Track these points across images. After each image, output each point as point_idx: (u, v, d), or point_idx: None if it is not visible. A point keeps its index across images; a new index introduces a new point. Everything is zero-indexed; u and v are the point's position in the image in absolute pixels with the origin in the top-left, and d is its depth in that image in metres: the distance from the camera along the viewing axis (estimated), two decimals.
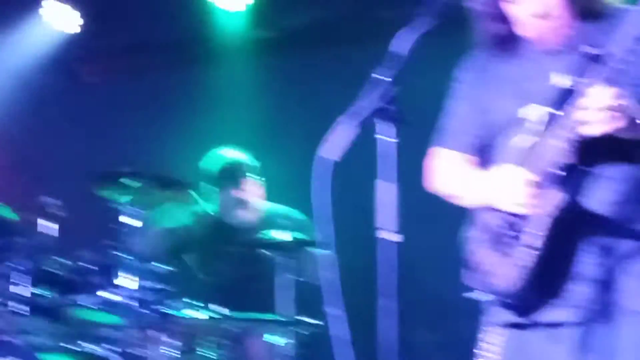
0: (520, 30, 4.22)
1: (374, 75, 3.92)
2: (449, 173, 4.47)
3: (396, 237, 3.89)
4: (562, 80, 4.04)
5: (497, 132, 4.27)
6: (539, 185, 4.00)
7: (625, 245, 4.06)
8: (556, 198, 3.97)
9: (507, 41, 4.29)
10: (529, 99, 4.13)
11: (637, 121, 3.84)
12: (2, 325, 6.73)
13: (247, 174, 7.73)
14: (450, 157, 4.48)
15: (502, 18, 4.23)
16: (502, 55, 4.32)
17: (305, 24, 9.14)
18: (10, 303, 6.65)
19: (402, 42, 3.93)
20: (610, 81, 3.83)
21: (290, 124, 7.77)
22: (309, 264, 6.68)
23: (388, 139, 3.93)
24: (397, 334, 3.85)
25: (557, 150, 3.94)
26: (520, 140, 4.13)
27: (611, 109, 3.80)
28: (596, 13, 4.15)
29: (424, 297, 8.18)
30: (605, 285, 4.01)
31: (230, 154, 7.76)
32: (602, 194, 4.03)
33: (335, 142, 3.87)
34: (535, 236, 3.98)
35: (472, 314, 4.51)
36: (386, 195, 3.92)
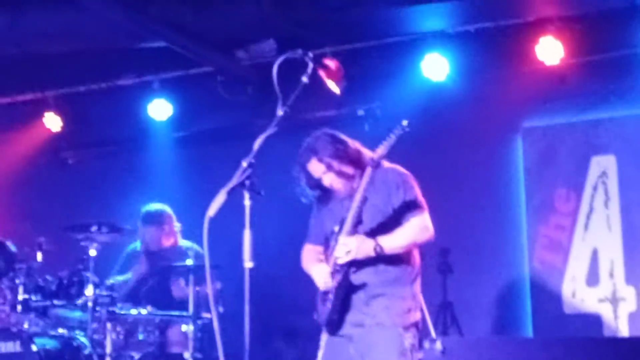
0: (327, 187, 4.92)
1: (241, 160, 4.14)
2: (305, 260, 5.11)
3: (250, 264, 4.09)
4: (345, 213, 4.81)
5: (329, 236, 4.98)
6: (332, 271, 4.78)
7: (371, 294, 4.81)
8: (339, 278, 4.79)
9: (322, 195, 5.02)
10: (336, 221, 4.88)
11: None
12: (8, 319, 6.74)
13: (166, 218, 7.49)
14: (308, 249, 5.13)
15: (318, 184, 4.96)
16: (324, 197, 5.02)
17: (206, 128, 9.16)
18: (13, 305, 6.59)
19: (257, 142, 4.15)
20: (357, 211, 4.72)
21: (197, 190, 7.84)
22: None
23: (246, 202, 4.13)
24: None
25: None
26: (332, 243, 4.88)
27: (347, 252, 4.66)
28: (362, 176, 4.82)
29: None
30: (367, 314, 4.80)
31: (153, 205, 7.56)
32: (359, 274, 4.78)
33: (213, 205, 4.04)
34: (332, 297, 4.80)
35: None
36: (246, 237, 4.10)
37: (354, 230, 4.74)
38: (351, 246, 4.69)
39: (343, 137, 4.99)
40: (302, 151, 4.96)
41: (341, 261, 4.72)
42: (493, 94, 8.07)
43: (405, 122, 4.64)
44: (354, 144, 4.97)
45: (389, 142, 4.64)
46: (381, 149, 4.67)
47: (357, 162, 4.90)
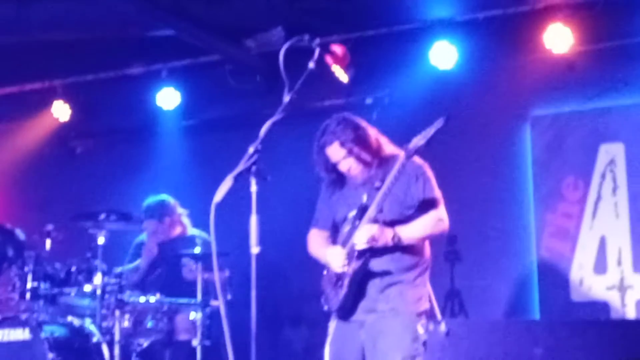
0: (343, 172, 4.93)
1: (248, 148, 4.15)
2: (314, 244, 5.13)
3: (257, 250, 4.08)
4: (364, 199, 4.83)
5: (340, 222, 4.96)
6: (348, 257, 4.79)
7: (387, 282, 4.84)
8: (356, 264, 4.78)
9: (337, 179, 5.01)
10: (351, 207, 4.88)
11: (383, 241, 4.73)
12: (17, 307, 6.79)
13: (167, 209, 7.49)
14: (315, 234, 5.15)
15: (333, 169, 4.96)
16: (338, 183, 5.01)
17: (214, 117, 9.18)
18: (22, 292, 6.59)
19: (264, 128, 4.17)
20: (382, 199, 4.69)
21: (205, 179, 7.84)
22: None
23: (253, 188, 4.13)
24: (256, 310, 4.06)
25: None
26: (345, 229, 4.89)
27: (368, 239, 4.68)
28: (379, 164, 4.88)
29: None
30: (380, 300, 4.84)
31: (154, 198, 7.56)
32: (375, 261, 4.80)
33: (220, 191, 4.06)
34: (347, 282, 4.81)
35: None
36: (253, 223, 4.10)
37: (375, 218, 4.75)
38: (374, 233, 4.70)
39: (363, 123, 4.99)
40: (322, 134, 4.94)
41: (360, 247, 4.74)
42: (501, 82, 8.06)
43: (445, 116, 4.61)
44: (372, 131, 4.98)
45: (426, 133, 4.61)
46: (417, 140, 4.64)
47: (376, 150, 4.91)
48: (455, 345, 2.86)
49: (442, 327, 2.83)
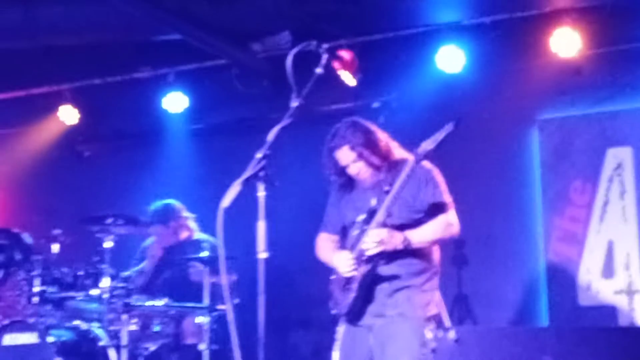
0: (352, 175, 4.92)
1: (256, 152, 4.16)
2: (322, 248, 5.13)
3: (264, 255, 4.09)
4: (373, 203, 4.81)
5: (348, 226, 4.97)
6: (356, 261, 4.78)
7: (395, 286, 4.83)
8: (365, 268, 4.78)
9: (346, 183, 5.01)
10: (360, 211, 4.86)
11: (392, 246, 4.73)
12: (25, 311, 6.81)
13: (172, 214, 7.46)
14: (324, 237, 5.15)
15: (342, 172, 4.96)
16: (347, 186, 5.01)
17: (221, 121, 9.19)
18: (30, 296, 6.59)
19: (271, 133, 4.17)
20: (392, 203, 4.68)
21: (212, 183, 7.85)
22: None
23: (260, 193, 4.15)
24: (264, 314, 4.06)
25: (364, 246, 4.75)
26: (354, 233, 4.88)
27: (377, 243, 4.67)
28: (389, 168, 4.87)
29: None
30: (389, 305, 4.83)
31: (159, 203, 7.52)
32: (384, 265, 4.80)
33: (228, 196, 4.06)
34: (355, 286, 4.80)
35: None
36: (260, 228, 4.11)
37: (384, 222, 4.75)
38: (383, 237, 4.71)
39: (374, 127, 4.99)
40: (332, 137, 4.94)
41: (370, 252, 4.74)
42: (509, 86, 8.05)
43: (455, 120, 4.61)
44: (382, 135, 4.98)
45: (436, 138, 4.61)
46: (427, 144, 4.64)
47: (386, 154, 4.91)
48: (464, 353, 2.86)
49: (451, 334, 2.83)
